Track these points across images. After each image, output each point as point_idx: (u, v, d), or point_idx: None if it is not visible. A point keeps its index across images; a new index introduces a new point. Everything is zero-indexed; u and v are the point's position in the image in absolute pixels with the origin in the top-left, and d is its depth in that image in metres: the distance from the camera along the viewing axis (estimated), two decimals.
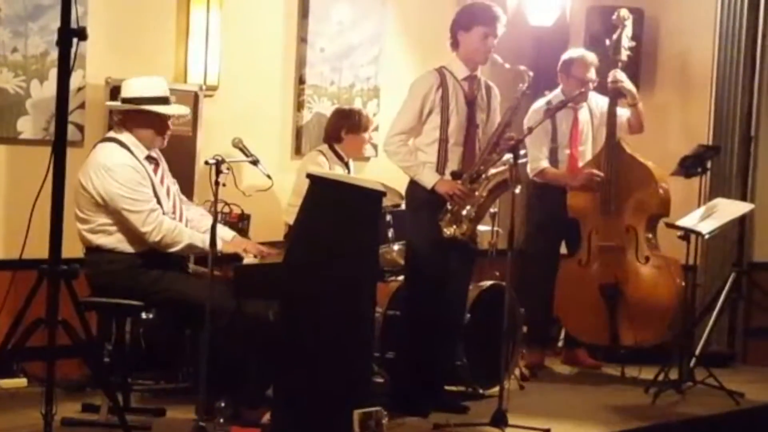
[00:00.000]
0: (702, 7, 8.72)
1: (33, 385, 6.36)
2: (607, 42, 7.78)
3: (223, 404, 5.63)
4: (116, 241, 5.85)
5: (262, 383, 5.88)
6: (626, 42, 7.73)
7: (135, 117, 5.95)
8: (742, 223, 8.45)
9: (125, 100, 5.96)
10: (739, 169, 8.61)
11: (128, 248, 5.85)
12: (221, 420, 5.61)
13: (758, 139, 8.65)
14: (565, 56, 7.87)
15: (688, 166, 7.68)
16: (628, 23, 7.75)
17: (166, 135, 6.03)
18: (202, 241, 5.78)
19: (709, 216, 7.40)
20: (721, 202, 7.65)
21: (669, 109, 8.87)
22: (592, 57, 7.83)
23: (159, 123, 5.98)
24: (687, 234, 7.25)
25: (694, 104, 8.77)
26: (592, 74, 7.77)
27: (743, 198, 8.46)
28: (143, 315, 6.42)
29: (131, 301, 5.82)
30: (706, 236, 7.33)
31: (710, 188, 8.28)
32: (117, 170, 5.82)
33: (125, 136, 5.94)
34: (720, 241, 8.16)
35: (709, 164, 7.81)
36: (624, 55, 7.73)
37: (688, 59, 8.84)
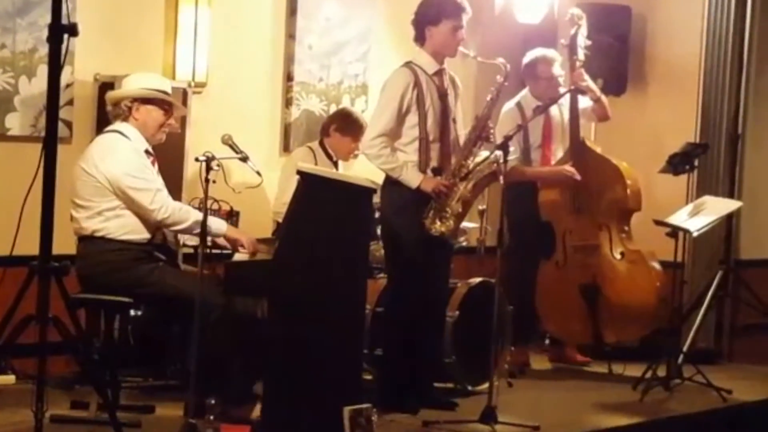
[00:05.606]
0: (689, 4, 8.74)
1: (21, 382, 6.34)
2: (563, 41, 7.81)
3: (212, 401, 5.61)
4: (114, 227, 5.84)
5: (248, 380, 5.88)
6: (582, 41, 7.72)
7: (144, 107, 5.97)
8: (730, 220, 8.47)
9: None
10: (727, 167, 8.65)
11: (124, 236, 5.85)
12: (211, 417, 5.59)
13: (745, 137, 8.69)
14: (525, 60, 7.85)
15: (677, 164, 7.70)
16: (583, 22, 7.74)
17: (166, 129, 6.06)
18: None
19: (697, 213, 7.42)
20: (708, 200, 7.67)
21: (656, 107, 8.89)
22: (552, 53, 7.87)
23: (166, 114, 6.03)
24: (675, 231, 7.27)
25: (681, 102, 8.77)
26: (557, 69, 7.79)
27: (731, 195, 8.49)
28: (132, 312, 6.40)
29: (121, 294, 5.82)
30: (695, 234, 7.35)
31: (698, 186, 8.33)
32: (123, 153, 5.87)
33: (127, 128, 5.96)
34: (707, 238, 8.17)
35: (696, 162, 7.83)
36: (581, 54, 7.72)
37: (676, 57, 8.85)
